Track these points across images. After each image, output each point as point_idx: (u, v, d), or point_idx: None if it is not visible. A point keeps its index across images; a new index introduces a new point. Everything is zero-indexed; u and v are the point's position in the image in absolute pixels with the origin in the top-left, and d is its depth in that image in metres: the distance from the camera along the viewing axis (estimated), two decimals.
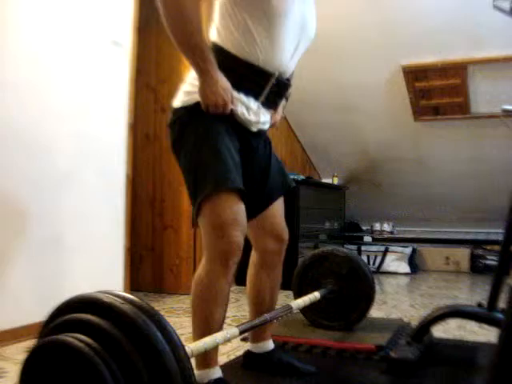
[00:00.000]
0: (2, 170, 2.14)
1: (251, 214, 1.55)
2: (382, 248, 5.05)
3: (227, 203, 1.41)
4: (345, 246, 4.84)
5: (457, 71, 3.90)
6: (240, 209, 1.44)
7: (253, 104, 1.50)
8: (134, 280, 3.03)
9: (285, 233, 1.69)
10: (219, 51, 1.46)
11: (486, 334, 2.27)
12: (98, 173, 2.62)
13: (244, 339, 1.86)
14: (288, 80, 1.60)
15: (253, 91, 1.49)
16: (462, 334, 2.34)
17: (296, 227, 3.84)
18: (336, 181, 5.00)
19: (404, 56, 3.93)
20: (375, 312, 2.75)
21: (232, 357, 1.93)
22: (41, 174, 2.30)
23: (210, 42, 1.49)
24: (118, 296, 0.93)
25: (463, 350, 2.07)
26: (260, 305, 1.70)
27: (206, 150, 1.43)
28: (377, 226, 5.21)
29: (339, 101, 4.44)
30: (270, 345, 1.75)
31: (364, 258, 4.89)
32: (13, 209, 2.18)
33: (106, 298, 0.92)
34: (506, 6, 2.16)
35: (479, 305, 1.82)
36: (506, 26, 3.11)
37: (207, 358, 1.47)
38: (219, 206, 1.40)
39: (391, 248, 5.03)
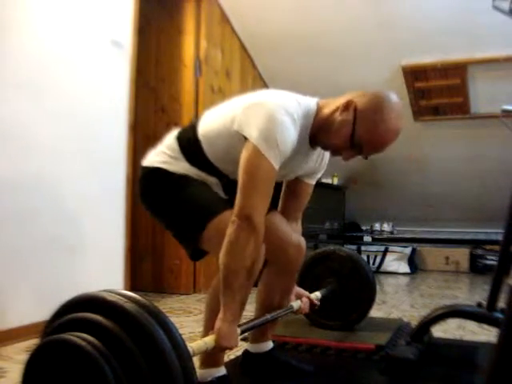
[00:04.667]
0: (2, 169, 2.14)
1: None
2: (382, 248, 5.05)
3: (226, 216, 1.39)
4: (345, 245, 4.84)
5: (457, 71, 3.90)
6: None
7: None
8: (134, 280, 3.03)
9: (293, 237, 1.65)
10: (198, 146, 1.49)
11: (486, 334, 2.27)
12: (98, 173, 2.62)
13: (244, 339, 1.86)
14: None
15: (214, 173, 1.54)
16: (462, 334, 2.34)
17: None
18: (336, 181, 5.00)
19: (404, 56, 3.93)
20: (375, 312, 2.75)
21: (232, 356, 1.93)
22: (40, 174, 2.31)
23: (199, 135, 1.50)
24: (122, 295, 0.94)
25: (463, 350, 2.07)
26: (268, 307, 1.64)
27: (187, 189, 1.47)
28: (377, 226, 5.22)
29: None
30: (268, 345, 1.75)
31: (364, 257, 4.89)
32: (12, 209, 2.18)
33: (110, 297, 0.92)
34: (505, 6, 2.17)
35: (479, 305, 1.83)
36: (506, 26, 3.11)
37: (213, 357, 1.47)
38: (222, 222, 1.38)
39: (391, 248, 5.03)
